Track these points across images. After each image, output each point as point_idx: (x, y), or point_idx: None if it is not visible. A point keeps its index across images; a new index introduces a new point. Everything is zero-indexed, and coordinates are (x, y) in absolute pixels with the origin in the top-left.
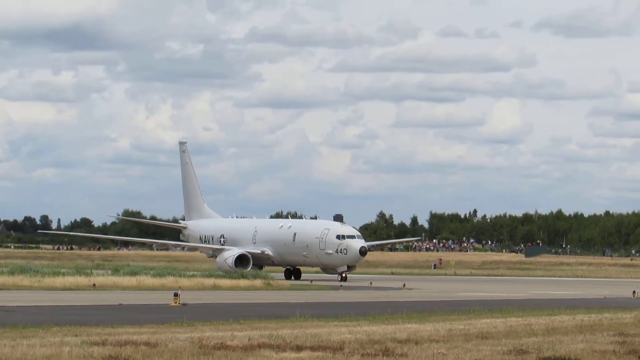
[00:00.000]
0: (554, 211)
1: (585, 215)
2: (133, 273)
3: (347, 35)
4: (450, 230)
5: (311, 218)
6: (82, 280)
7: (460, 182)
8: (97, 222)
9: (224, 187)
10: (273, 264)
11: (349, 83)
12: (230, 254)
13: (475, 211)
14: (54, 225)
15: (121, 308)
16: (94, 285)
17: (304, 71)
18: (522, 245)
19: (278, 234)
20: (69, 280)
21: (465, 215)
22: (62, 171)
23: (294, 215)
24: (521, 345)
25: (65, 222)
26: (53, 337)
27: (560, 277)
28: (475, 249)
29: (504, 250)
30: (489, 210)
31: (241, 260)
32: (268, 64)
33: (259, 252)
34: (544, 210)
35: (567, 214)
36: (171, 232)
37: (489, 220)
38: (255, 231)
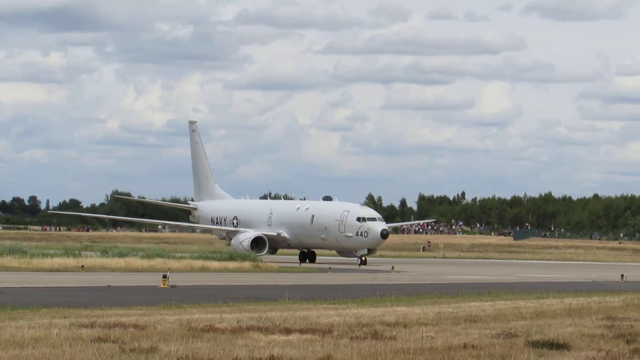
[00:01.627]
0: (543, 194)
1: (574, 198)
2: (121, 254)
3: (336, 17)
4: (439, 212)
5: (301, 200)
6: (70, 261)
7: (449, 164)
8: (85, 203)
9: (213, 169)
10: (289, 246)
11: (339, 65)
12: (246, 236)
13: (464, 194)
14: (43, 206)
15: (110, 290)
16: (83, 266)
17: (293, 53)
18: (511, 228)
19: (295, 216)
20: (58, 261)
21: (454, 197)
22: (51, 152)
23: (285, 197)
24: (510, 329)
25: (54, 203)
26: (41, 319)
27: (548, 260)
28: (464, 232)
29: (492, 233)
30: (477, 192)
31: (257, 242)
32: (258, 46)
33: (275, 234)
34: (533, 193)
35: (556, 197)
36: (159, 213)
37: (477, 203)
38: (271, 213)
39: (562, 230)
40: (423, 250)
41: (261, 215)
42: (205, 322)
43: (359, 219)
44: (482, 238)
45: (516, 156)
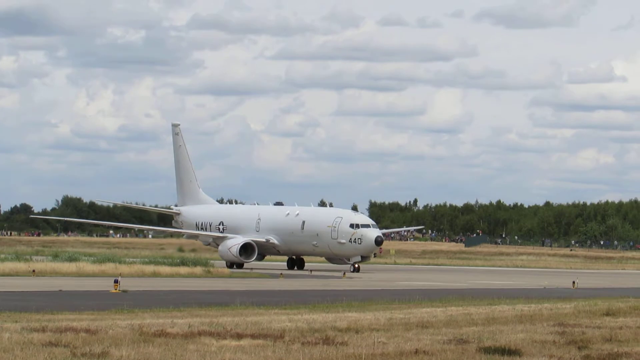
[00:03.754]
0: (494, 201)
1: (525, 205)
2: (73, 259)
3: (289, 23)
4: (390, 219)
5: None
6: (21, 266)
7: (400, 171)
8: (37, 208)
9: (165, 174)
10: (278, 253)
11: (290, 71)
12: (234, 242)
13: (415, 200)
14: None
15: (61, 294)
16: (34, 271)
17: (245, 58)
18: (462, 235)
19: (285, 222)
20: (9, 266)
21: (406, 204)
22: (2, 156)
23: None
24: (461, 335)
25: (5, 208)
26: None
27: (500, 267)
28: (415, 238)
29: (444, 240)
30: (429, 199)
31: (245, 249)
32: (210, 51)
33: (264, 240)
34: (484, 200)
35: (507, 204)
36: (110, 219)
37: (429, 210)
38: (259, 218)
39: (514, 237)
40: (374, 256)
41: (249, 220)
42: (157, 327)
43: (352, 226)
44: (433, 244)
45: (468, 163)
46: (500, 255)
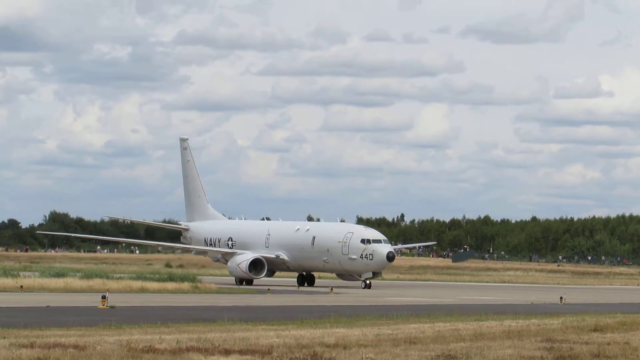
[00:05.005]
0: (482, 216)
1: (512, 220)
2: (60, 275)
3: (275, 39)
4: None
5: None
6: (9, 281)
7: (387, 186)
8: (24, 223)
9: (152, 190)
10: (288, 269)
11: (277, 87)
12: (244, 258)
13: (402, 215)
14: None
15: (49, 310)
16: (22, 286)
17: (232, 74)
18: (450, 250)
19: (294, 238)
20: None
21: (393, 219)
22: None
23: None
24: (449, 351)
25: None
26: None
27: (487, 282)
28: (402, 254)
29: (431, 255)
30: (416, 214)
31: (255, 265)
32: (196, 67)
33: (273, 256)
34: (472, 216)
35: (495, 220)
36: (98, 234)
37: (416, 225)
38: (268, 234)
39: (501, 252)
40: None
41: (258, 236)
42: (145, 342)
43: (363, 241)
44: (420, 260)
45: (454, 178)
46: (488, 270)
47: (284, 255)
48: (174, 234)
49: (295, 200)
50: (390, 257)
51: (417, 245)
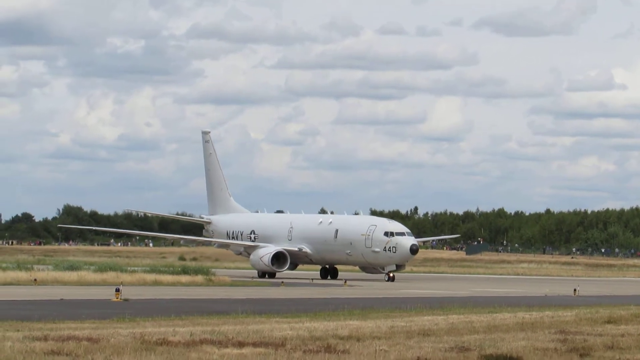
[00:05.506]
0: (495, 209)
1: (526, 213)
2: (74, 268)
3: (288, 32)
4: None
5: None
6: (23, 275)
7: (400, 179)
8: (37, 217)
9: (165, 183)
10: (311, 262)
11: (290, 80)
12: (266, 251)
13: (416, 208)
14: None
15: (63, 303)
16: (35, 280)
17: (245, 68)
18: (463, 243)
19: (317, 231)
20: (10, 275)
21: (407, 212)
22: (2, 166)
23: None
24: (463, 343)
25: (6, 217)
26: None
27: (501, 274)
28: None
29: (445, 248)
30: (430, 207)
31: (277, 258)
32: (210, 60)
33: (296, 249)
34: (485, 208)
35: (508, 212)
36: (111, 227)
37: (430, 218)
38: (291, 227)
39: (515, 245)
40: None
41: (281, 229)
42: (159, 335)
43: (386, 234)
44: (434, 252)
45: (468, 171)
46: (502, 263)
47: (306, 248)
48: (188, 227)
49: (309, 193)
50: (413, 250)
51: (440, 238)
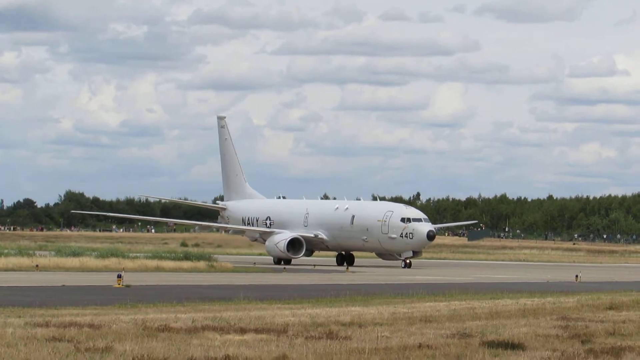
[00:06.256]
0: (498, 195)
1: (528, 199)
2: (76, 254)
3: (291, 18)
4: None
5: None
6: (25, 261)
7: (403, 165)
8: (40, 203)
9: (167, 169)
10: (327, 248)
11: (292, 66)
12: (282, 237)
13: (418, 194)
14: None
15: (64, 289)
16: (37, 266)
17: (247, 54)
18: (465, 229)
19: (333, 216)
20: (12, 261)
21: (409, 198)
22: (4, 152)
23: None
24: (465, 329)
25: (8, 203)
26: None
27: (503, 260)
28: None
29: (447, 234)
30: (432, 193)
31: (293, 244)
32: (212, 46)
33: (312, 235)
34: (487, 194)
35: (510, 198)
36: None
37: (432, 204)
38: (307, 213)
39: (517, 231)
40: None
41: (297, 215)
42: (160, 321)
43: (403, 220)
44: (436, 238)
45: (470, 157)
46: (503, 249)
47: (322, 235)
48: (190, 213)
49: (311, 179)
50: (430, 236)
51: (458, 224)
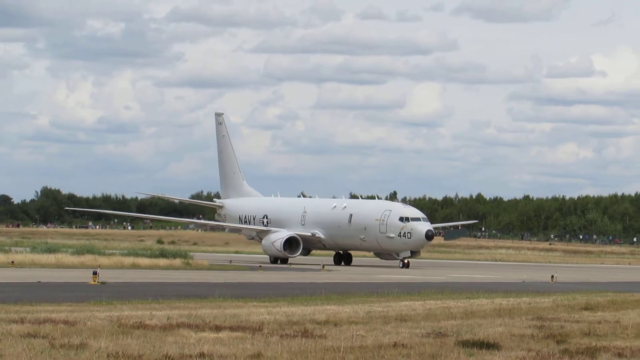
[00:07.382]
0: (474, 195)
1: (505, 199)
2: (52, 251)
3: (269, 16)
4: None
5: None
6: (0, 257)
7: (379, 164)
8: (16, 199)
9: (144, 166)
10: (324, 247)
11: (270, 64)
12: (278, 236)
13: (395, 193)
14: None
15: (40, 286)
16: (13, 262)
17: (225, 51)
18: (442, 229)
19: (331, 215)
20: None
21: (385, 197)
22: None
23: (215, 195)
24: (440, 328)
25: None
26: None
27: (479, 260)
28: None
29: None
30: (408, 192)
31: (290, 243)
32: (189, 43)
33: (309, 234)
34: (464, 194)
35: (487, 198)
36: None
37: (408, 203)
38: (304, 211)
39: (493, 230)
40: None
41: (294, 214)
42: (135, 318)
43: (401, 219)
44: None
45: (447, 157)
46: (480, 248)
47: (320, 234)
48: (167, 210)
49: (288, 177)
50: (429, 236)
51: (457, 224)
